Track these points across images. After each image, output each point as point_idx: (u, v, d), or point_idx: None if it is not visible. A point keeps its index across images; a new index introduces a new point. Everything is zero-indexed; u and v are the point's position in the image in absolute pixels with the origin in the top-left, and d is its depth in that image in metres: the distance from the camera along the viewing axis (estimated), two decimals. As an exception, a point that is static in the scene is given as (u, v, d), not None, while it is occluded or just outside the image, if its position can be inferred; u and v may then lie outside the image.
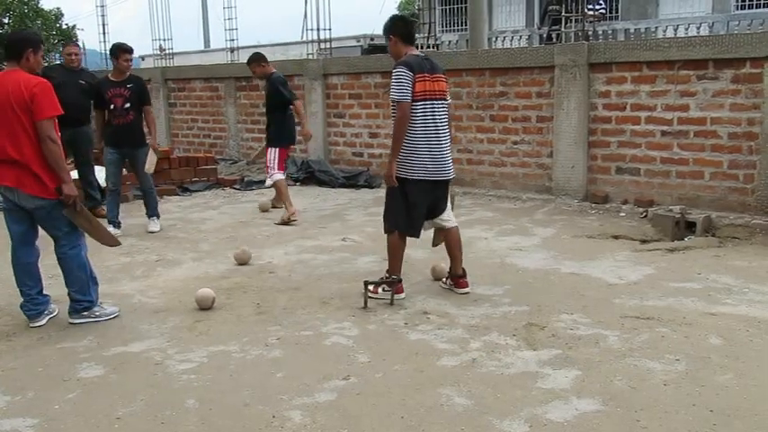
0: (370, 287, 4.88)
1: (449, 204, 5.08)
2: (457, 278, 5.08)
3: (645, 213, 7.41)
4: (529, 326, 4.37)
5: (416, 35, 4.97)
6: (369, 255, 6.15)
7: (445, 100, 4.92)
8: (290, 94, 7.82)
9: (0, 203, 4.81)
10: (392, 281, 4.90)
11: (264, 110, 8.05)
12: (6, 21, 17.16)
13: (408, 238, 5.01)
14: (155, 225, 7.37)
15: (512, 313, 4.62)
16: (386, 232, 5.03)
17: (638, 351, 3.95)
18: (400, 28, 4.92)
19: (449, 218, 5.08)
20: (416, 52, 4.92)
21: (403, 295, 4.94)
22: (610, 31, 17.01)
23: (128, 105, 7.08)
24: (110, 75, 7.25)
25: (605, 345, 4.06)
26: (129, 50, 7.20)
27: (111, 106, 7.07)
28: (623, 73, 7.86)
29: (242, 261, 5.93)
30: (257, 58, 7.94)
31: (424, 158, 4.79)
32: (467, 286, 5.05)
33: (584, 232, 6.88)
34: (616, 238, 6.64)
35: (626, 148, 7.93)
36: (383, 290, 4.91)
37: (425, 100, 4.75)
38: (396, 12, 40.85)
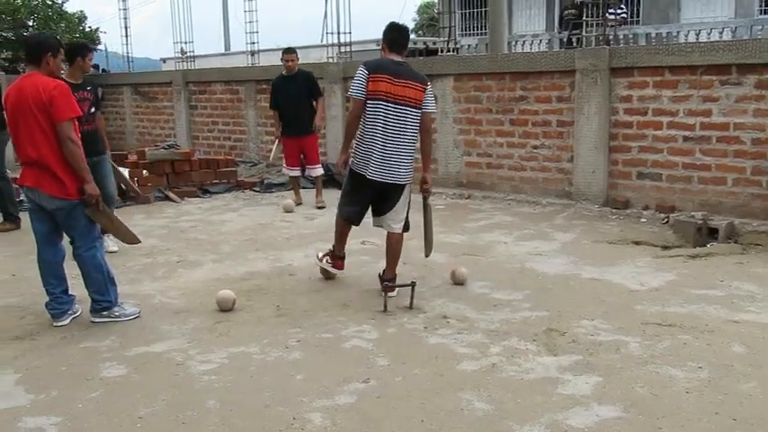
0: (319, 254, 5.49)
1: (398, 208, 5.15)
2: (383, 280, 5.13)
3: (666, 219, 7.36)
4: (549, 331, 4.35)
5: (406, 44, 5.20)
6: (388, 258, 6.15)
7: (411, 107, 4.94)
8: None
9: (26, 204, 4.89)
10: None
11: (288, 102, 8.64)
12: (31, 23, 17.37)
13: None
14: (113, 245, 6.40)
15: (532, 318, 4.61)
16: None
17: (660, 358, 3.93)
18: (387, 35, 5.13)
19: (393, 222, 5.18)
20: (393, 57, 5.03)
21: (339, 271, 5.45)
22: (631, 36, 16.93)
23: (93, 110, 6.43)
24: (65, 76, 6.11)
25: (626, 351, 4.04)
26: (92, 49, 6.75)
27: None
28: (645, 78, 7.81)
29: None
30: (294, 51, 8.80)
31: (366, 156, 4.97)
32: (391, 291, 4.97)
33: (605, 238, 6.84)
34: (637, 243, 6.59)
35: (647, 154, 7.87)
36: (326, 261, 5.47)
37: (377, 100, 4.90)
38: (414, 15, 40.89)
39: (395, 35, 5.10)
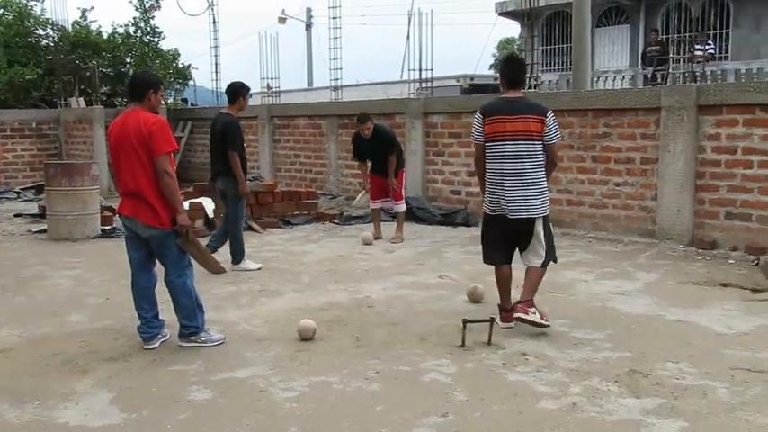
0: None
1: (534, 244, 5.11)
2: (517, 302, 5.10)
3: (756, 261, 7.09)
4: (632, 372, 4.26)
5: (524, 78, 5.28)
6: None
7: (529, 140, 4.94)
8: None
9: (122, 232, 5.16)
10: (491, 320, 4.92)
11: (370, 154, 8.94)
12: (129, 60, 18.33)
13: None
14: (253, 263, 7.41)
15: (613, 359, 4.52)
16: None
17: (750, 405, 3.78)
18: (504, 73, 5.19)
19: (533, 257, 5.16)
20: (508, 95, 5.08)
21: (506, 324, 5.11)
22: (719, 72, 16.48)
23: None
24: (234, 113, 7.22)
25: (714, 396, 3.91)
26: (248, 89, 7.43)
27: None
28: (734, 116, 7.62)
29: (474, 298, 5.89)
30: (368, 119, 8.78)
31: (495, 195, 5.07)
32: (508, 321, 5.08)
33: (690, 278, 6.65)
34: (725, 285, 6.38)
35: (736, 193, 7.64)
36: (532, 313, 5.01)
37: (494, 141, 5.01)
38: (494, 51, 41.00)
39: (512, 72, 5.14)
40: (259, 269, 7.23)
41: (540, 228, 5.10)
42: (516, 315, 5.01)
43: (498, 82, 5.23)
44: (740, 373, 4.23)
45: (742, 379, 4.15)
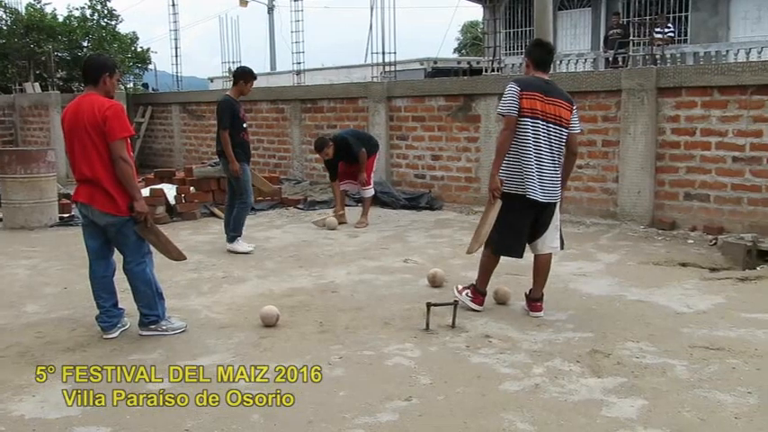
0: (459, 287, 5.24)
1: (550, 230, 5.08)
2: (531, 301, 5.12)
3: (714, 241, 7.23)
4: (593, 353, 4.31)
5: (551, 62, 5.16)
6: (430, 277, 6.15)
7: (558, 125, 4.88)
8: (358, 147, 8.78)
9: (79, 220, 5.04)
10: (455, 303, 4.92)
11: (345, 160, 8.89)
12: (85, 44, 17.94)
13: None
14: (248, 246, 7.52)
15: (575, 339, 4.56)
16: (485, 248, 5.16)
17: (708, 382, 3.85)
18: (533, 53, 5.07)
19: (551, 242, 5.10)
20: (540, 75, 4.97)
21: (480, 308, 5.13)
22: (678, 55, 16.69)
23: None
24: (233, 95, 7.36)
25: (673, 374, 3.97)
26: (253, 76, 7.49)
27: (244, 125, 7.42)
28: (693, 98, 7.72)
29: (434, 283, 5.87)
30: (324, 144, 8.75)
31: (521, 175, 4.87)
32: (539, 310, 5.06)
33: (651, 259, 6.75)
34: (684, 265, 6.48)
35: (695, 174, 7.77)
36: (467, 295, 5.18)
37: (530, 118, 4.81)
38: (458, 35, 41.02)
39: (541, 53, 5.04)
40: (251, 252, 7.31)
41: (558, 212, 5.11)
42: (536, 315, 5.04)
43: (524, 63, 5.14)
44: (698, 351, 4.31)
45: (700, 357, 4.22)
